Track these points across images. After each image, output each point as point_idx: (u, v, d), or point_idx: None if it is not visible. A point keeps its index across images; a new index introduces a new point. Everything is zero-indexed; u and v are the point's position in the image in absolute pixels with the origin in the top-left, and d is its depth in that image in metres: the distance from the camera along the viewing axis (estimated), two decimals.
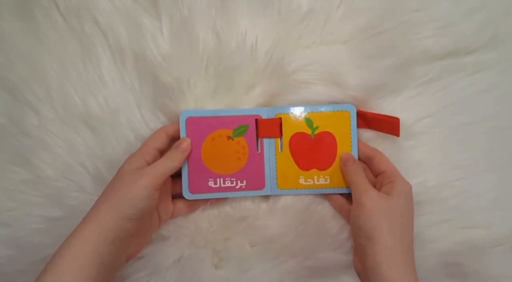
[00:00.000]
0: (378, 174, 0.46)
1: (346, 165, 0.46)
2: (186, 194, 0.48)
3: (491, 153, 0.49)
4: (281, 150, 0.49)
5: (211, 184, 0.48)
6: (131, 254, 0.44)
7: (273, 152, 0.49)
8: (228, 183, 0.48)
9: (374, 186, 0.45)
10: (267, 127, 0.48)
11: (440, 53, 0.48)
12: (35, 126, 0.49)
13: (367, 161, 0.48)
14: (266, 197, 0.51)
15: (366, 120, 0.48)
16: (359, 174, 0.45)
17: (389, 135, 0.47)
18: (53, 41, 0.49)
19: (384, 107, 0.49)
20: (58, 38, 0.49)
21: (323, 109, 0.48)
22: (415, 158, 0.49)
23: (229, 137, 0.48)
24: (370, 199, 0.41)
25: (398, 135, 0.46)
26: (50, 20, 0.49)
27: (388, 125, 0.47)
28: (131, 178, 0.41)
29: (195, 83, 0.48)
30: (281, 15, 0.48)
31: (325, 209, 0.49)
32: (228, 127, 0.48)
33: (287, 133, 0.48)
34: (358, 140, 0.48)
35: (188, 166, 0.47)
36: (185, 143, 0.46)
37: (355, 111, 0.48)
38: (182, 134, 0.47)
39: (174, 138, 0.47)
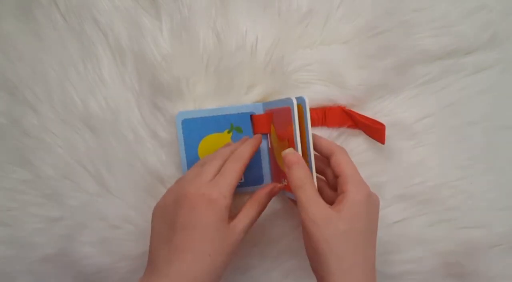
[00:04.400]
0: (336, 177, 0.40)
1: (290, 168, 0.38)
2: None
3: (491, 153, 0.49)
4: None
5: None
6: None
7: (266, 147, 0.49)
8: None
9: (335, 190, 0.40)
10: (260, 123, 0.48)
11: (440, 53, 0.48)
12: (35, 126, 0.49)
13: (327, 159, 0.41)
14: None
15: (355, 121, 0.48)
16: (303, 185, 0.37)
17: (388, 134, 0.47)
18: (53, 41, 0.49)
19: (384, 107, 0.48)
20: (58, 38, 0.49)
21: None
22: (415, 158, 0.49)
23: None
24: (314, 225, 0.35)
25: (383, 143, 0.45)
26: (50, 20, 0.49)
27: (374, 132, 0.45)
28: (226, 234, 0.38)
29: (195, 83, 0.48)
30: (281, 15, 0.48)
31: None
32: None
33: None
34: (314, 135, 0.42)
35: (188, 168, 0.47)
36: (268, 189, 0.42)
37: (305, 102, 0.39)
38: (180, 136, 0.47)
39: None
